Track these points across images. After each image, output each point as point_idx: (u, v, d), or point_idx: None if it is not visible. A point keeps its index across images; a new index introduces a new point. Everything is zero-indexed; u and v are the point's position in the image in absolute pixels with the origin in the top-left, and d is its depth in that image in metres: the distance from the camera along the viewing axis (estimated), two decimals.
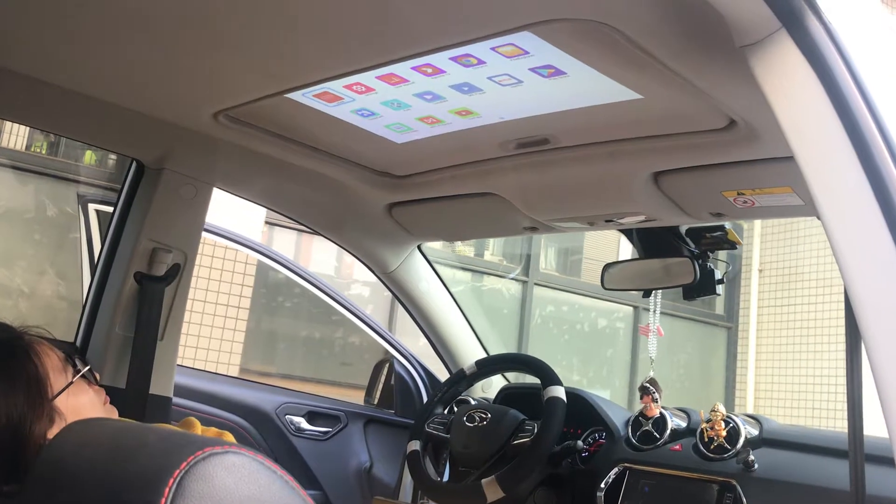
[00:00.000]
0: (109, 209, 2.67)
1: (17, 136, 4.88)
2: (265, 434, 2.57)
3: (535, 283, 7.19)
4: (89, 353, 1.89)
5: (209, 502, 0.59)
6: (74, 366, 1.37)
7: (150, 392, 1.88)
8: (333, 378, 5.52)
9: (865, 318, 0.87)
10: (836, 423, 7.22)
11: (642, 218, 1.84)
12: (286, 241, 5.93)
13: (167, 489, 0.58)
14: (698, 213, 1.78)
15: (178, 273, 1.91)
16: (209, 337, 4.84)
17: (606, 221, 1.90)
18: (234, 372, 4.95)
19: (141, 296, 1.87)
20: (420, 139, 1.72)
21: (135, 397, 1.84)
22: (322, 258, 6.21)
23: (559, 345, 7.45)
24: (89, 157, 5.05)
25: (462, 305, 2.61)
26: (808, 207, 1.60)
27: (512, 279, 7.17)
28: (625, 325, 7.80)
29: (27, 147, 4.98)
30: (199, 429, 1.66)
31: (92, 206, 2.67)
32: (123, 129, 1.75)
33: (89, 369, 1.36)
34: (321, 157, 1.85)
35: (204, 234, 2.68)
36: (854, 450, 1.05)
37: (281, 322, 5.79)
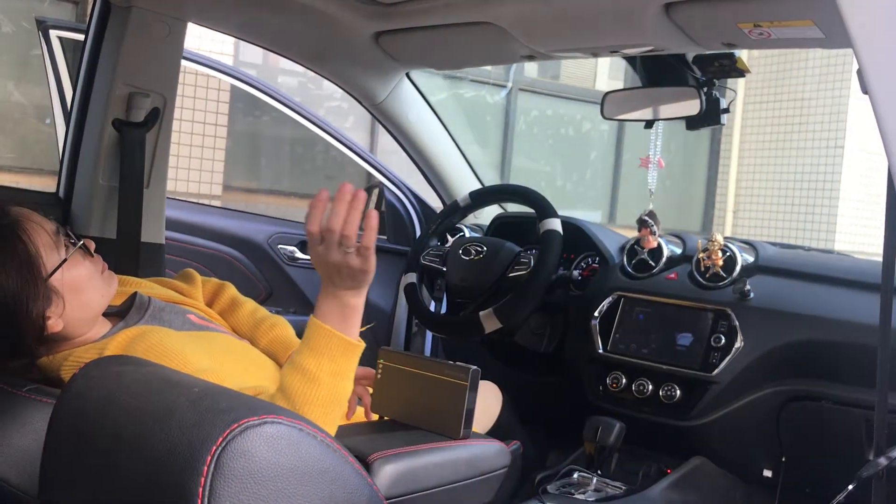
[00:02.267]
0: (73, 36, 2.49)
1: None
2: (258, 264, 2.56)
3: (520, 89, 6.99)
4: (74, 205, 1.82)
5: (251, 481, 0.56)
6: (68, 237, 1.32)
7: (142, 240, 1.84)
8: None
9: (893, 145, 0.83)
10: (814, 219, 7.39)
11: (650, 48, 1.73)
12: (253, 54, 5.64)
13: (206, 468, 0.55)
14: (709, 43, 1.68)
15: (158, 117, 1.81)
16: (188, 157, 4.73)
17: (611, 52, 1.79)
18: (218, 190, 4.90)
19: (122, 144, 1.77)
20: None
21: (126, 247, 1.80)
22: (294, 68, 5.94)
23: (544, 149, 7.39)
24: None
25: (446, 113, 2.51)
26: (830, 40, 1.50)
27: (495, 85, 6.96)
28: (609, 126, 7.70)
29: None
30: (198, 280, 1.64)
31: (55, 34, 2.48)
32: None
33: (83, 245, 1.30)
34: None
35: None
36: (886, 284, 1.05)
37: (261, 139, 5.65)
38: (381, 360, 1.49)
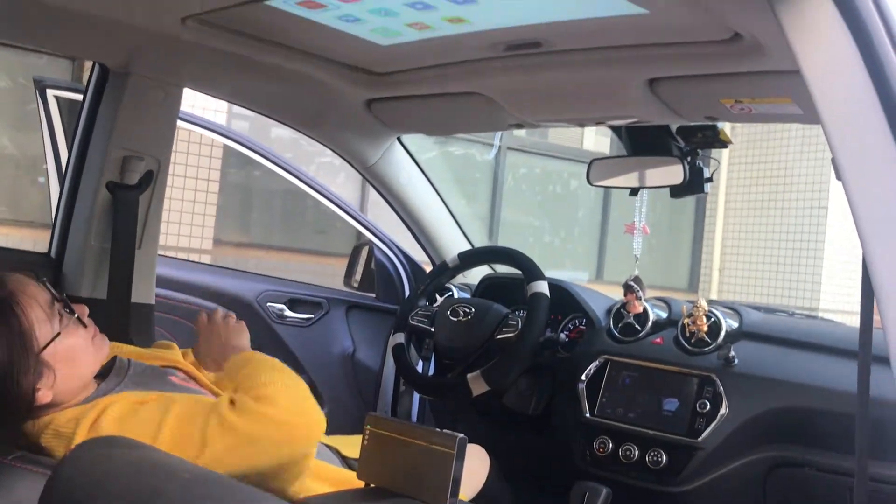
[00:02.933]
0: (70, 96, 2.53)
1: None
2: (247, 322, 2.56)
3: (508, 148, 7.09)
4: (65, 265, 1.84)
5: None
6: (64, 305, 1.33)
7: (132, 301, 1.85)
8: (309, 247, 5.50)
9: (866, 229, 0.91)
10: (798, 279, 7.45)
11: (634, 120, 1.78)
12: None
13: None
14: (692, 116, 1.73)
15: (151, 180, 1.84)
16: (180, 211, 4.75)
17: (597, 123, 1.84)
18: (208, 245, 4.91)
19: (115, 206, 1.79)
20: (406, 42, 1.62)
21: (117, 308, 1.80)
22: (282, 132, 6.02)
23: (532, 206, 7.47)
24: None
25: (435, 170, 2.55)
26: (808, 116, 1.55)
27: (484, 144, 7.06)
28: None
29: None
30: (177, 351, 1.63)
31: (52, 93, 2.53)
32: (84, 33, 1.62)
33: (77, 317, 1.31)
34: (298, 57, 1.75)
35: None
36: (863, 352, 1.08)
37: (252, 192, 5.69)
38: (369, 426, 1.49)
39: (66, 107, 2.50)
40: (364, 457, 1.50)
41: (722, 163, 8.22)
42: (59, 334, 1.28)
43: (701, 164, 1.91)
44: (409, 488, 1.45)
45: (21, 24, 1.57)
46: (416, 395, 2.66)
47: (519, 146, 7.23)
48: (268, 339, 2.56)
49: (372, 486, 1.49)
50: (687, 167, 1.86)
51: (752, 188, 8.02)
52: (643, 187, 1.98)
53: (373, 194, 5.26)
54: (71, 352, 1.27)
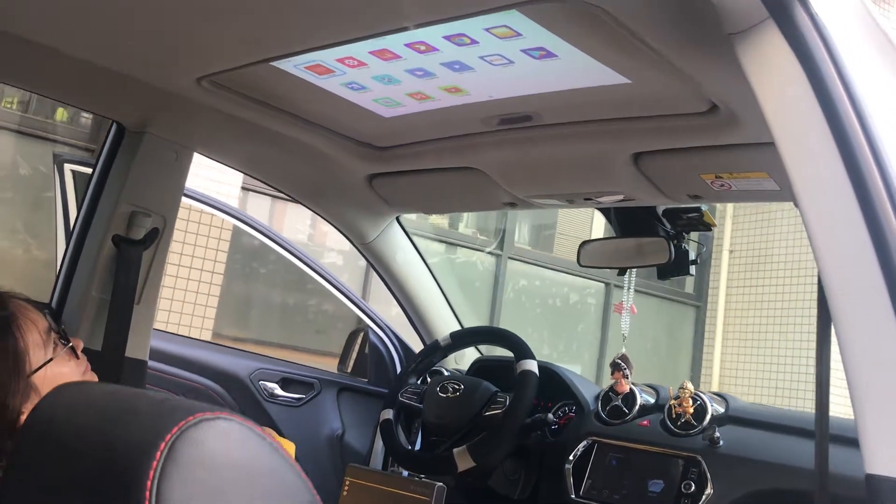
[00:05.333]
0: (86, 170, 2.64)
1: None
2: (239, 399, 2.57)
3: (509, 258, 7.22)
4: (65, 314, 1.88)
5: (200, 467, 0.60)
6: (60, 336, 1.37)
7: (126, 355, 1.88)
8: (307, 345, 5.53)
9: (838, 304, 0.89)
10: (797, 403, 7.38)
11: (620, 197, 1.86)
12: (260, 207, 5.90)
13: (158, 453, 0.59)
14: (676, 195, 1.81)
15: (156, 237, 1.91)
16: (182, 301, 4.81)
17: (585, 199, 1.92)
18: (207, 337, 4.94)
19: (119, 259, 1.86)
20: (407, 114, 1.72)
21: (111, 360, 1.83)
22: (296, 225, 6.19)
23: (531, 318, 7.52)
24: (61, 114, 4.96)
25: (436, 277, 2.63)
26: (784, 192, 1.63)
27: (486, 253, 7.19)
28: (596, 301, 7.88)
29: None
30: None
31: (68, 167, 2.64)
32: (104, 90, 1.73)
33: (71, 346, 1.35)
34: (305, 126, 1.85)
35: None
36: (820, 429, 1.09)
37: (255, 288, 5.77)
38: (348, 478, 1.51)
39: (80, 179, 2.60)
40: None
41: (720, 286, 8.31)
42: (51, 360, 1.32)
43: (686, 247, 1.98)
44: None
45: (44, 75, 1.68)
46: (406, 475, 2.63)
47: (520, 256, 7.36)
48: (258, 416, 2.56)
49: None
50: (673, 247, 1.93)
51: (750, 312, 8.07)
52: (631, 266, 2.04)
53: (373, 288, 5.36)
54: (60, 379, 1.30)
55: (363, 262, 2.72)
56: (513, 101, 1.59)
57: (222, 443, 0.63)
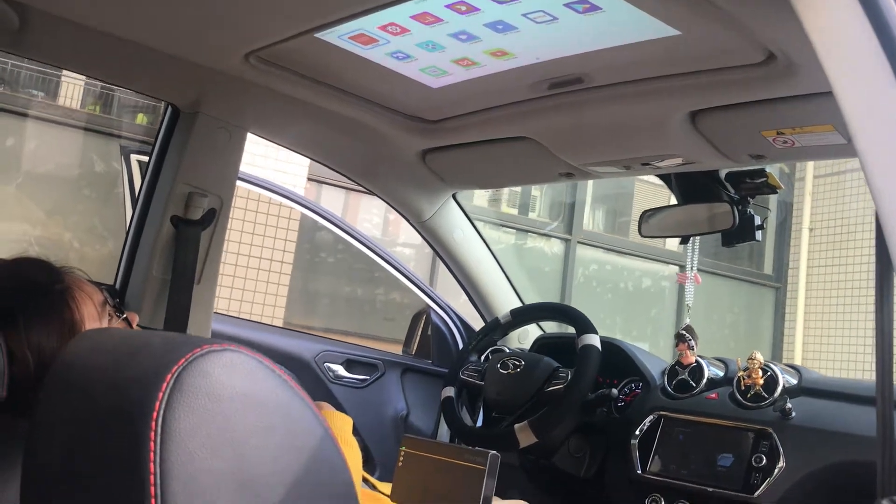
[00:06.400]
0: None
1: (71, 98, 4.96)
2: (303, 381, 2.59)
3: (579, 242, 7.12)
4: (128, 295, 1.92)
5: (205, 396, 0.59)
6: (117, 309, 1.40)
7: (187, 334, 1.91)
8: (377, 333, 5.58)
9: None
10: None
11: (679, 161, 1.79)
12: (333, 199, 5.96)
13: (165, 384, 0.59)
14: (737, 156, 1.74)
15: (214, 217, 1.93)
16: (253, 290, 4.91)
17: (643, 165, 1.86)
18: (279, 325, 5.03)
19: (177, 239, 1.89)
20: (455, 83, 1.70)
21: None
22: (369, 217, 6.24)
23: (602, 304, 7.41)
24: (141, 118, 5.13)
25: (503, 263, 2.59)
26: (851, 147, 1.54)
27: (555, 238, 7.11)
28: (670, 284, 7.71)
29: (81, 105, 5.06)
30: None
31: (134, 158, 2.70)
32: (157, 72, 1.76)
33: (125, 318, 1.38)
34: (354, 102, 1.84)
35: (248, 187, 2.72)
36: (882, 391, 1.02)
37: (324, 278, 5.85)
38: (404, 448, 1.49)
39: (146, 167, 2.66)
40: (398, 478, 1.49)
41: (800, 269, 8.02)
42: None
43: (751, 212, 1.90)
44: None
45: (96, 58, 1.71)
46: None
47: (589, 240, 7.26)
48: (324, 398, 2.58)
49: None
50: (737, 212, 1.85)
51: (833, 292, 7.77)
52: (694, 234, 1.97)
53: (440, 279, 5.36)
54: None
55: (430, 252, 2.70)
56: (561, 62, 1.55)
57: (229, 374, 0.62)
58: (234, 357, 0.63)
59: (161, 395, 0.58)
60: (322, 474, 0.64)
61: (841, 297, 7.70)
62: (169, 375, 0.59)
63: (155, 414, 0.58)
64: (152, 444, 0.56)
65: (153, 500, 0.55)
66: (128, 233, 1.97)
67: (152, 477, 0.55)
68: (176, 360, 0.61)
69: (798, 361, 7.70)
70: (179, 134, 1.90)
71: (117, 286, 1.95)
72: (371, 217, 6.27)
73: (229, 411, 0.61)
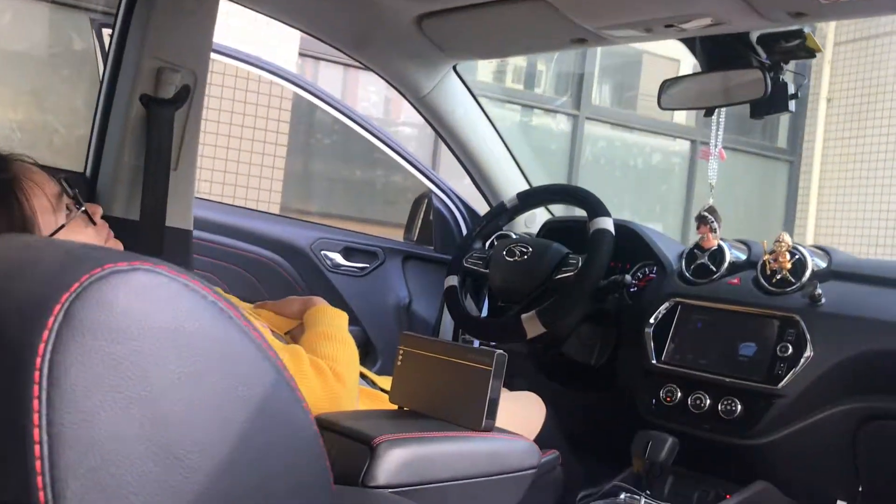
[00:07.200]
0: None
1: None
2: (300, 270, 2.48)
3: (587, 118, 6.85)
4: (99, 183, 1.76)
5: (106, 335, 0.43)
6: (76, 201, 1.25)
7: (167, 225, 1.76)
8: (378, 217, 5.42)
9: None
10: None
11: (708, 21, 1.58)
12: (331, 76, 5.67)
13: (51, 319, 0.42)
14: (774, 14, 1.52)
15: (188, 95, 1.74)
16: (248, 174, 4.72)
17: (666, 27, 1.64)
18: (275, 211, 4.88)
19: (149, 121, 1.71)
20: None
21: (150, 230, 1.72)
22: (368, 95, 5.97)
23: (611, 182, 7.21)
24: None
25: (509, 140, 2.41)
26: None
27: (562, 114, 6.84)
28: (681, 160, 7.47)
29: None
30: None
31: (107, 32, 2.48)
32: None
33: (85, 210, 1.22)
34: None
35: (230, 62, 2.51)
36: None
37: (321, 160, 5.64)
38: (402, 346, 1.36)
39: None
40: (397, 378, 1.37)
41: (815, 141, 7.77)
42: (63, 226, 1.19)
43: (785, 80, 1.70)
44: (444, 410, 1.31)
45: None
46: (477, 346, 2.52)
47: (598, 116, 6.98)
48: (322, 287, 2.46)
49: (406, 409, 1.37)
50: (769, 80, 1.66)
51: (849, 165, 7.54)
52: (720, 105, 1.78)
53: (443, 160, 5.17)
54: None
55: (432, 132, 2.51)
56: None
57: (141, 302, 0.44)
58: (147, 279, 0.45)
59: (46, 333, 0.42)
60: (274, 430, 0.48)
61: (856, 171, 7.48)
62: (57, 306, 0.43)
63: (38, 360, 0.41)
64: (36, 401, 0.40)
65: (39, 478, 0.40)
66: (95, 115, 1.79)
67: (37, 447, 0.40)
68: (67, 284, 0.43)
69: (810, 237, 7.59)
70: (143, 3, 1.69)
71: (88, 174, 1.79)
72: (370, 95, 6.00)
73: (141, 354, 0.44)
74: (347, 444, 1.12)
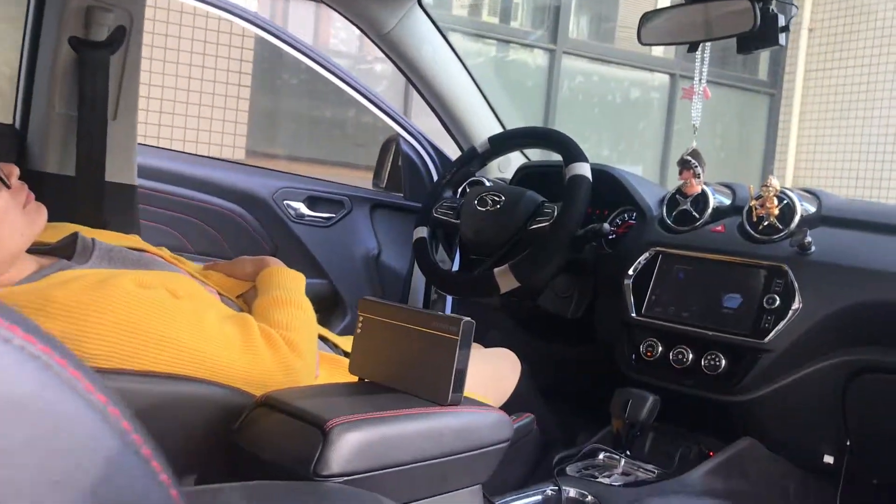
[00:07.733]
0: None
1: None
2: (263, 221, 2.35)
3: (564, 52, 6.64)
4: (29, 136, 1.61)
5: None
6: None
7: (106, 180, 1.62)
8: (348, 160, 5.25)
9: None
10: (880, 194, 6.92)
11: None
12: (303, 12, 5.41)
13: None
14: None
15: (124, 37, 1.58)
16: (210, 117, 4.53)
17: None
18: (241, 156, 4.69)
19: (81, 66, 1.55)
20: None
21: (88, 186, 1.58)
22: (339, 32, 5.73)
23: (588, 118, 7.04)
24: None
25: (483, 79, 2.26)
26: None
27: (538, 49, 6.63)
28: (660, 95, 7.30)
29: None
30: (165, 251, 1.41)
31: None
32: None
33: None
34: None
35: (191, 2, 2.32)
36: None
37: (287, 101, 5.42)
38: (361, 313, 1.24)
39: None
40: (357, 348, 1.26)
41: (796, 73, 7.62)
42: None
43: (774, 10, 1.56)
44: (407, 383, 1.21)
45: None
46: (450, 301, 2.42)
47: (575, 50, 6.77)
48: (285, 239, 2.34)
49: (365, 381, 1.26)
50: (758, 11, 1.52)
51: (830, 97, 7.41)
52: (705, 40, 1.64)
53: (416, 100, 5.00)
54: None
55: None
56: None
57: None
58: None
59: None
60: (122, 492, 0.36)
61: (838, 103, 7.35)
62: None
63: None
64: None
65: None
66: (21, 59, 1.63)
67: None
68: None
69: (790, 171, 7.51)
70: None
71: (17, 125, 1.64)
72: (339, 32, 5.76)
73: None
74: (299, 428, 1.02)
